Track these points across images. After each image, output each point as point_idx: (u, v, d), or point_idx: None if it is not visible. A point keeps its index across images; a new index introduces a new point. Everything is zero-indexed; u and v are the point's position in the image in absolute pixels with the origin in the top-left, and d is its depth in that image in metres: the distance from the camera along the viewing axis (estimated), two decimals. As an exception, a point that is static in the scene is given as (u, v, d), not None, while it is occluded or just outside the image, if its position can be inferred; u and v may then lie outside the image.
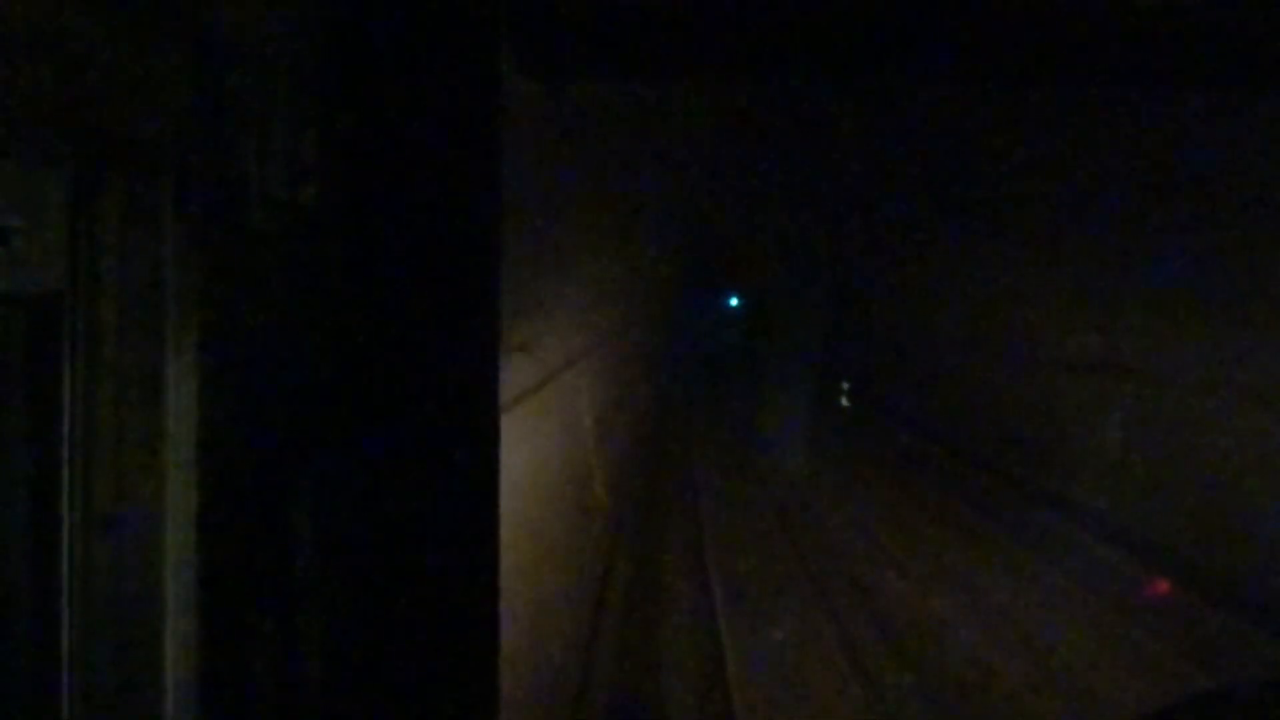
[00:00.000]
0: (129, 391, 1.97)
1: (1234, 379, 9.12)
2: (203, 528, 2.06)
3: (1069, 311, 12.31)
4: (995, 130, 11.03)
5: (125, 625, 1.96)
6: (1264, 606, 8.08)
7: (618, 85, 7.51)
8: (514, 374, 6.29)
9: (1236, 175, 8.29)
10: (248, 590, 2.15)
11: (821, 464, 16.57)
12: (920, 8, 4.17)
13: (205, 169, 2.06)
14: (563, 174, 7.32)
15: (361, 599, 2.25)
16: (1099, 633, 8.61)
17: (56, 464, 1.88)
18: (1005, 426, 14.54)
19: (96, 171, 1.89)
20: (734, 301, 37.14)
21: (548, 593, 7.03)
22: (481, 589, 2.44)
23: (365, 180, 2.25)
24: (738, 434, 19.64)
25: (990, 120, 10.86)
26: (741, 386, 25.93)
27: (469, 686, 2.42)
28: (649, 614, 9.30)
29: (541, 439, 7.78)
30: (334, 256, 2.22)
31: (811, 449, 17.26)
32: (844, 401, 23.37)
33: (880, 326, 21.66)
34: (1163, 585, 9.21)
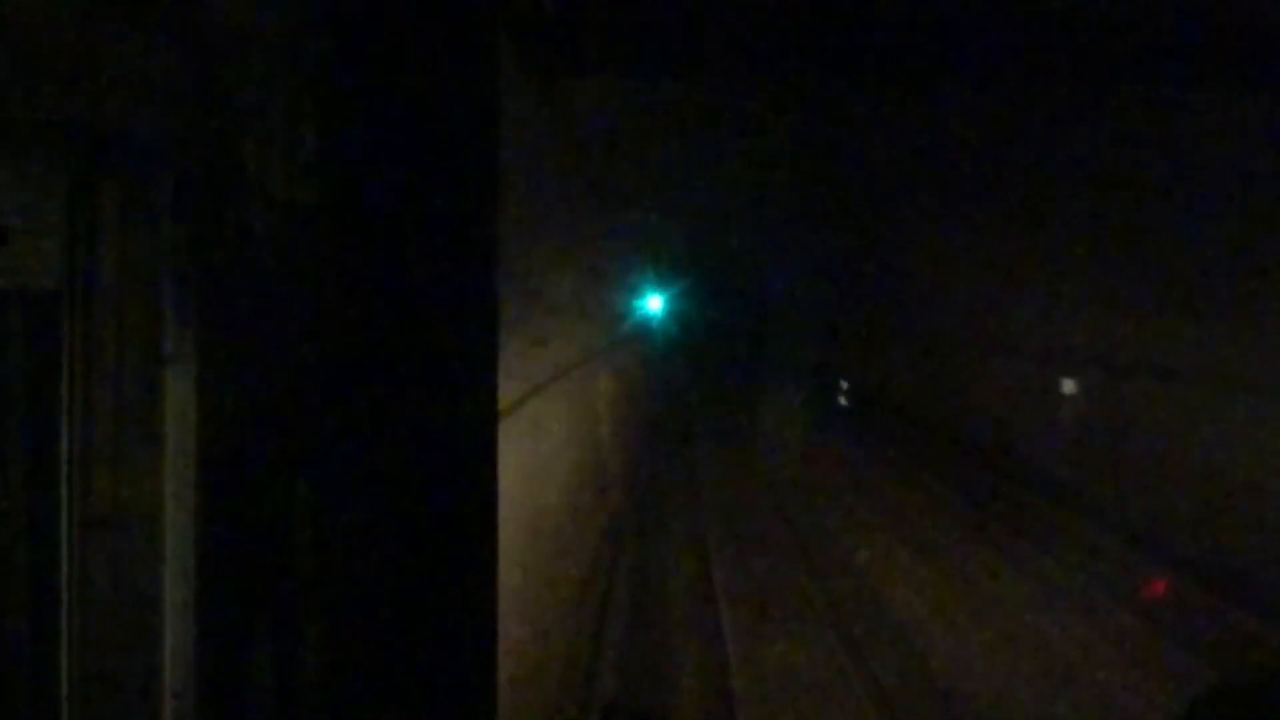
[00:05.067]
0: (127, 391, 1.97)
1: (1236, 373, 9.10)
2: (201, 527, 2.06)
3: (1072, 307, 12.31)
4: (1001, 128, 11.01)
5: (124, 623, 1.96)
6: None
7: (616, 83, 7.51)
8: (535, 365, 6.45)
9: (1241, 172, 8.29)
10: (246, 589, 2.15)
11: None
12: (914, 8, 4.18)
13: (204, 169, 2.06)
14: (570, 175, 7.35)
15: (360, 598, 2.25)
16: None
17: (55, 463, 1.88)
18: (1004, 419, 14.56)
19: (95, 172, 1.89)
20: (654, 305, 18.81)
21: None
22: (480, 589, 2.44)
23: (364, 180, 2.25)
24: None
25: (997, 118, 10.84)
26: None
27: (467, 686, 2.42)
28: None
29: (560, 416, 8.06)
30: (332, 256, 2.21)
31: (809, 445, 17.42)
32: (842, 400, 23.38)
33: (882, 320, 21.64)
34: (1159, 584, 9.21)
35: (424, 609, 2.33)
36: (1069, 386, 12.51)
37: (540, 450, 7.08)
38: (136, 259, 1.96)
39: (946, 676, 7.42)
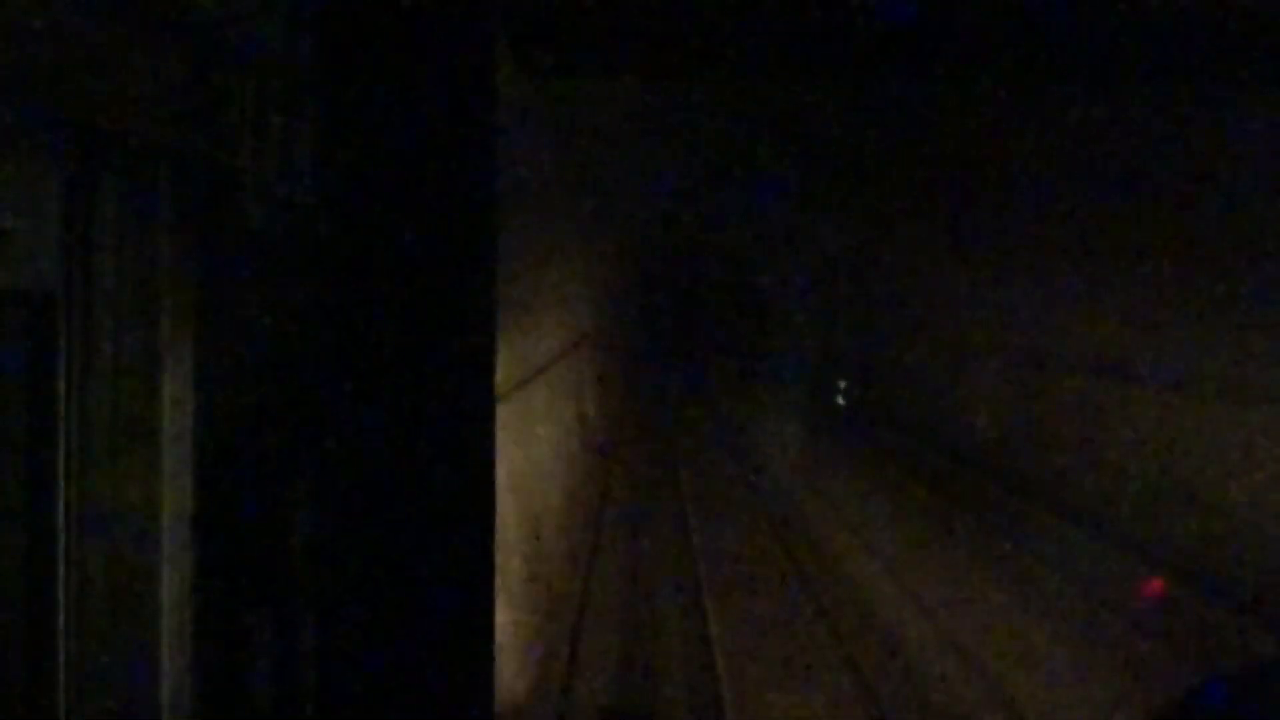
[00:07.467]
0: (125, 389, 1.98)
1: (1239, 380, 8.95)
2: (198, 525, 2.07)
3: (1070, 314, 12.25)
4: (991, 132, 11.00)
5: (121, 621, 1.97)
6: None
7: (613, 84, 7.52)
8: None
9: (1232, 176, 8.27)
10: (243, 587, 2.17)
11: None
12: (914, 9, 4.18)
13: (201, 168, 2.07)
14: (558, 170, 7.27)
15: (357, 596, 2.26)
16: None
17: (52, 461, 1.89)
18: (1000, 427, 14.47)
19: (93, 172, 1.90)
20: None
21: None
22: (477, 585, 2.45)
23: (361, 178, 2.26)
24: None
25: (989, 122, 10.81)
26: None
27: (464, 682, 2.43)
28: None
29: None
30: (330, 255, 2.23)
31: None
32: (840, 400, 23.34)
33: (880, 326, 21.49)
34: (1157, 584, 9.20)
35: (421, 608, 2.34)
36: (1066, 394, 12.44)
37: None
38: (134, 260, 1.97)
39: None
